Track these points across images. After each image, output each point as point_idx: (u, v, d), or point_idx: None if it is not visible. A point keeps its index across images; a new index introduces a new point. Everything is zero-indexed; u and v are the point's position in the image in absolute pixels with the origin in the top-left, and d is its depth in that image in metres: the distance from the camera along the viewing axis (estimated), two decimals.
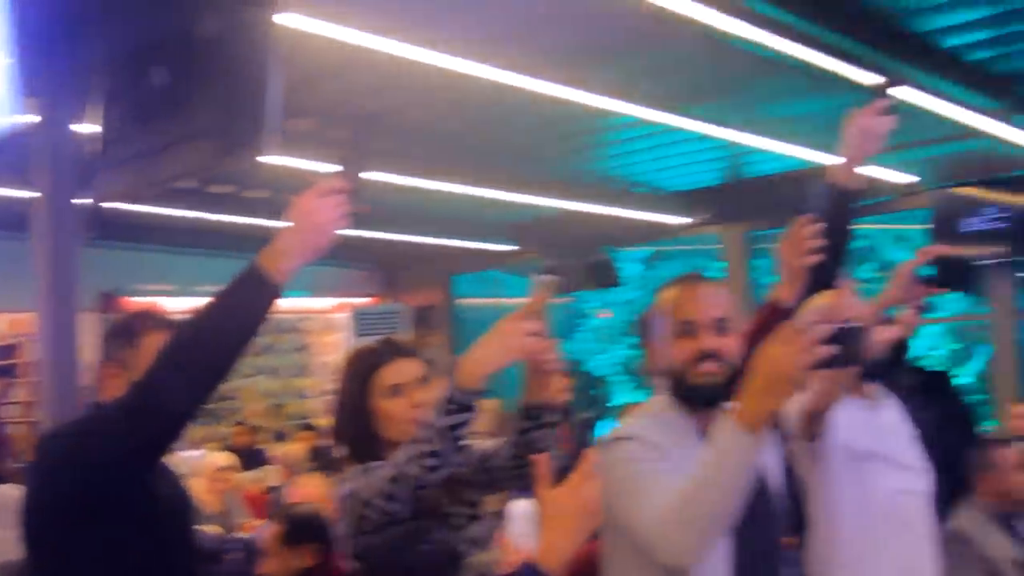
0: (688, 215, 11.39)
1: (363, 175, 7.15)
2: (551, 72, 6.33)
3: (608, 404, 15.45)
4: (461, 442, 2.42)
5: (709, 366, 2.58)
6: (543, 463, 2.18)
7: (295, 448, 9.67)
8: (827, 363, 2.15)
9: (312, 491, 5.71)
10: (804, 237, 3.00)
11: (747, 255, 11.31)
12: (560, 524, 2.11)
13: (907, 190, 10.17)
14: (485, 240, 12.70)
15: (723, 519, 2.25)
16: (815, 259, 2.99)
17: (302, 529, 4.27)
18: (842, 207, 3.19)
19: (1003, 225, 9.72)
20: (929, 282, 2.98)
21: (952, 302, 12.42)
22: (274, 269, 2.28)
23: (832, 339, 2.13)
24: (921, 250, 2.99)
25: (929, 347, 13.41)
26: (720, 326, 2.61)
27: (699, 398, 2.61)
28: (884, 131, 3.24)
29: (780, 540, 2.71)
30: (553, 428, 2.62)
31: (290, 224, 2.30)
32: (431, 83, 6.39)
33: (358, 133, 7.25)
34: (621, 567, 2.64)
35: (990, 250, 9.83)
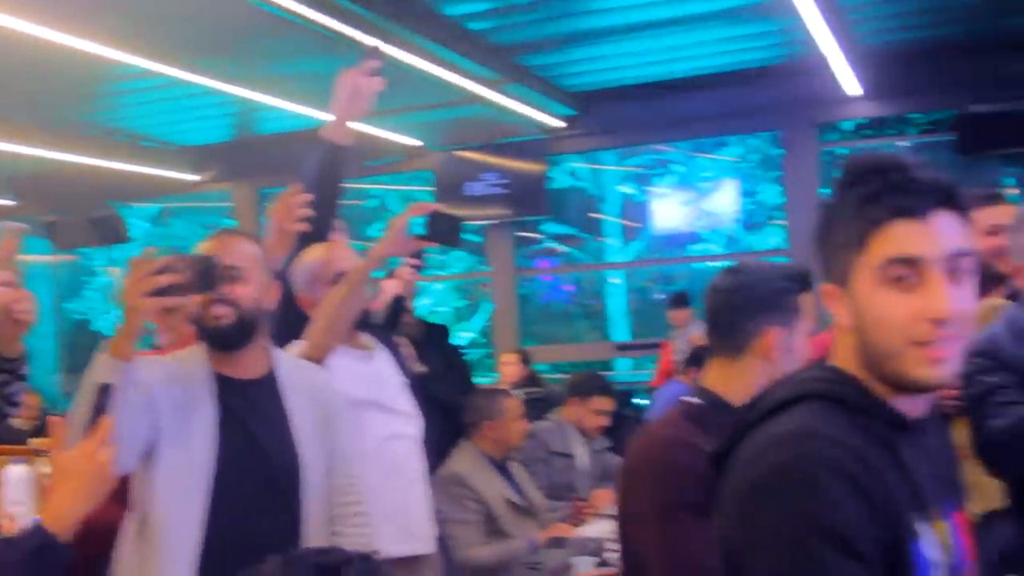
0: (198, 171, 11.19)
1: None
2: (51, 17, 5.95)
3: None
4: None
5: (219, 310, 2.65)
6: (58, 425, 2.16)
7: None
8: (163, 292, 2.36)
9: None
10: (293, 204, 3.15)
11: (258, 212, 11.25)
12: (71, 487, 2.09)
13: (412, 152, 10.54)
14: None
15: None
16: (303, 226, 3.17)
17: None
18: (334, 162, 3.33)
19: (503, 190, 10.32)
20: (421, 236, 3.09)
21: (457, 261, 13.07)
22: None
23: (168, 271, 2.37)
24: (413, 204, 3.11)
25: (436, 303, 14.03)
26: (232, 274, 2.67)
27: (211, 340, 2.70)
28: (372, 91, 3.37)
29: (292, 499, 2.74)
30: (25, 379, 2.55)
31: None
32: None
33: None
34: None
35: (491, 212, 10.41)
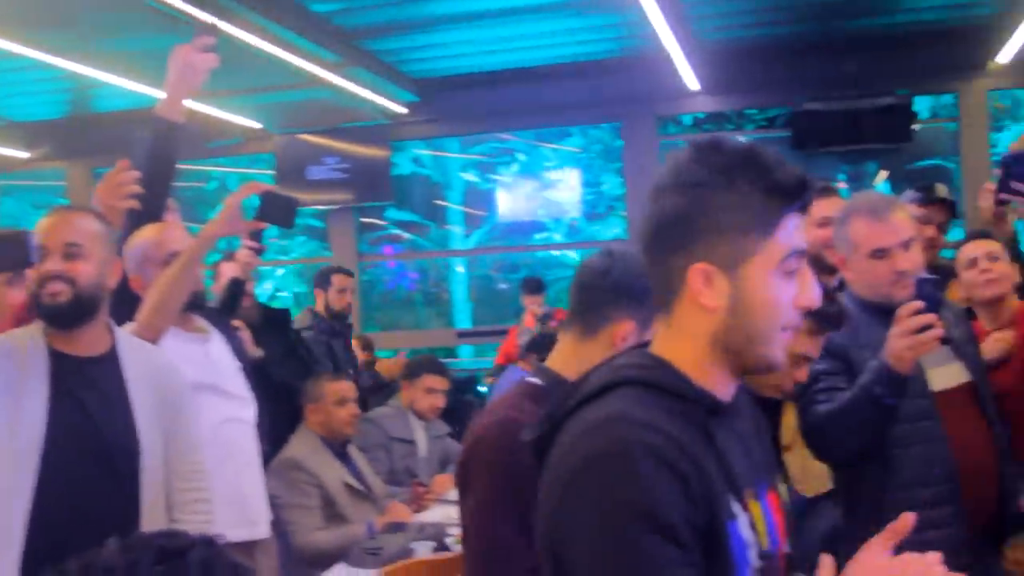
0: (30, 148, 10.79)
1: None
2: None
3: None
4: None
5: (55, 287, 2.63)
6: None
7: None
8: None
9: None
10: (121, 182, 3.12)
11: (92, 192, 10.88)
12: None
13: (254, 135, 10.37)
14: None
15: None
16: (132, 204, 3.14)
17: None
18: (167, 140, 3.28)
19: (345, 174, 10.23)
20: (255, 217, 3.06)
21: (300, 246, 12.91)
22: None
23: None
24: (246, 184, 3.06)
25: (279, 288, 13.84)
26: (71, 251, 2.66)
27: (47, 318, 2.68)
28: (206, 68, 3.31)
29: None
30: None
31: None
32: None
33: None
34: None
35: (334, 197, 10.32)
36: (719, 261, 1.49)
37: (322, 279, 6.76)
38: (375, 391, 7.28)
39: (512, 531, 2.12)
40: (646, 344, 1.62)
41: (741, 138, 1.56)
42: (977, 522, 2.98)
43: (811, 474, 3.46)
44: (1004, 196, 3.22)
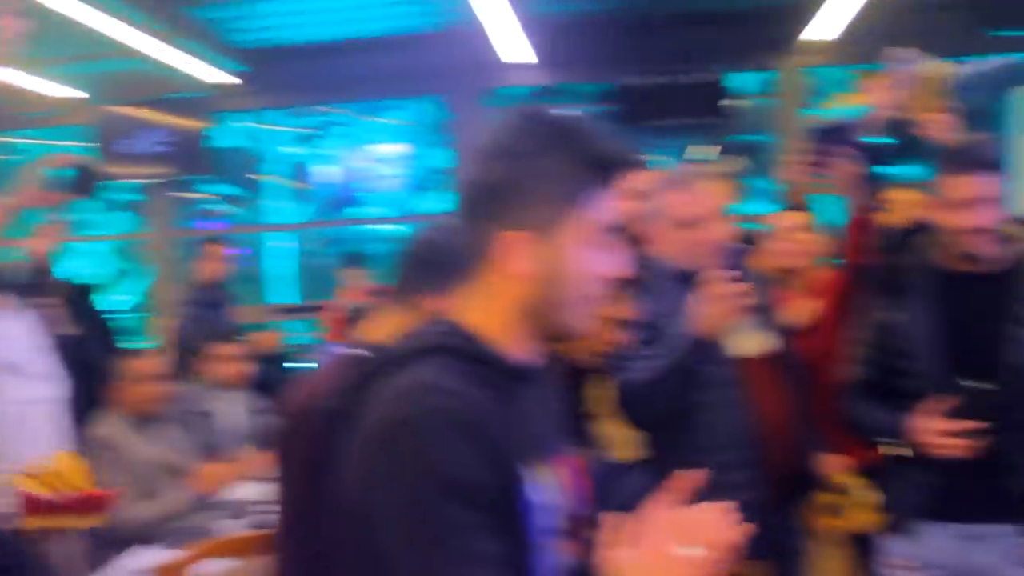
0: None
1: None
2: None
3: None
4: None
5: None
6: None
7: None
8: None
9: None
10: None
11: None
12: None
13: (70, 106, 9.98)
14: None
15: None
16: None
17: None
18: None
19: (164, 147, 9.95)
20: (56, 186, 2.95)
21: (116, 221, 12.51)
22: None
23: None
24: (46, 156, 2.95)
25: (95, 264, 13.40)
26: None
27: None
28: (15, 33, 3.16)
29: None
30: None
31: None
32: None
33: None
34: None
35: (152, 170, 10.02)
36: (533, 229, 1.51)
37: (198, 250, 6.65)
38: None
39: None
40: (452, 312, 1.62)
41: (571, 111, 1.57)
42: (777, 482, 3.10)
43: (621, 441, 3.53)
44: (813, 168, 3.34)
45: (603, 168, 1.53)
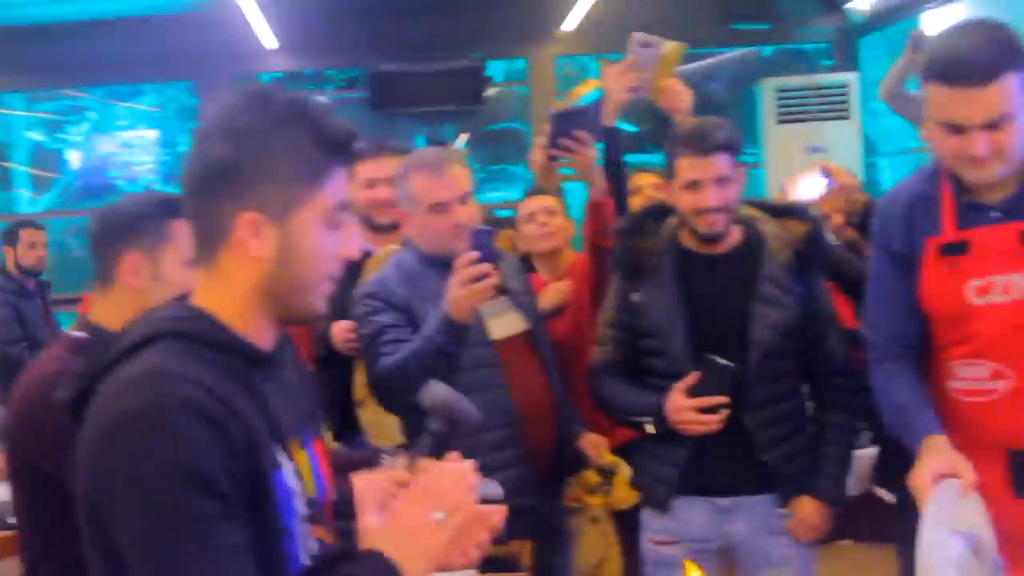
0: None
1: None
2: None
3: None
4: None
5: None
6: None
7: None
8: None
9: None
10: None
11: None
12: None
13: None
14: None
15: None
16: None
17: None
18: None
19: None
20: None
21: None
22: None
23: None
24: None
25: None
26: None
27: None
28: None
29: None
30: None
31: None
32: None
33: None
34: None
35: None
36: (268, 210, 1.49)
37: (10, 235, 6.24)
38: None
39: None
40: (186, 296, 1.58)
41: (320, 97, 1.57)
42: (538, 463, 3.16)
43: (384, 427, 3.53)
44: (554, 152, 3.40)
45: (335, 148, 1.53)
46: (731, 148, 2.94)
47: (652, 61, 3.48)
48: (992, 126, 2.23)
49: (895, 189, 2.63)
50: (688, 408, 2.89)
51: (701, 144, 2.90)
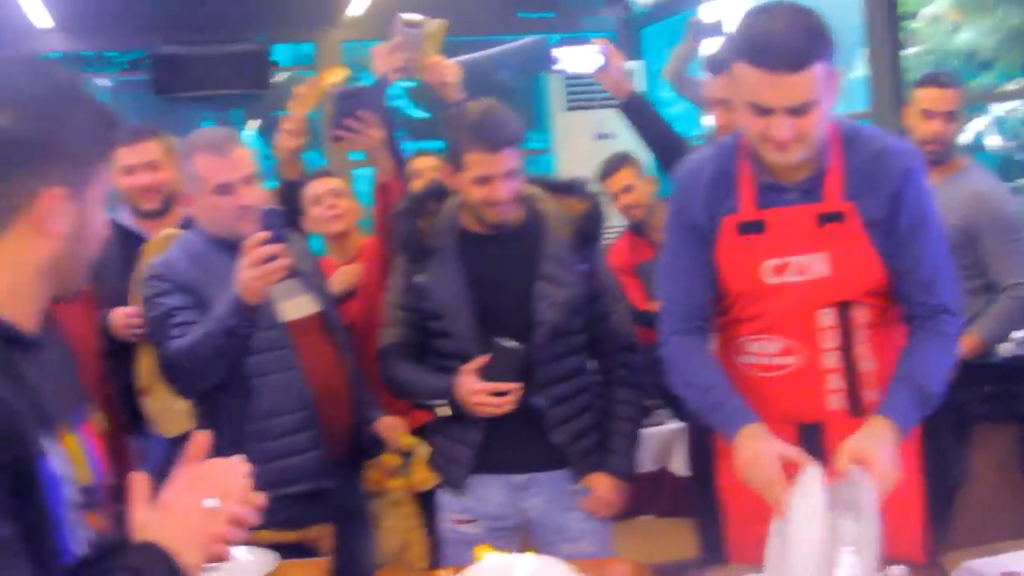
0: None
1: None
2: None
3: None
4: None
5: None
6: None
7: None
8: None
9: None
10: None
11: None
12: None
13: None
14: None
15: None
16: None
17: None
18: None
19: None
20: None
21: None
22: None
23: None
24: None
25: None
26: None
27: None
28: None
29: None
30: None
31: None
32: None
33: None
34: None
35: None
36: (67, 185, 1.44)
37: None
38: None
39: None
40: None
41: (102, 83, 1.53)
42: (335, 445, 3.13)
43: (172, 415, 3.44)
44: (338, 132, 3.36)
45: (112, 127, 1.52)
46: (519, 141, 2.95)
47: (418, 40, 3.48)
48: (797, 111, 2.26)
49: (696, 160, 2.62)
50: (480, 391, 2.90)
51: (491, 140, 2.87)
